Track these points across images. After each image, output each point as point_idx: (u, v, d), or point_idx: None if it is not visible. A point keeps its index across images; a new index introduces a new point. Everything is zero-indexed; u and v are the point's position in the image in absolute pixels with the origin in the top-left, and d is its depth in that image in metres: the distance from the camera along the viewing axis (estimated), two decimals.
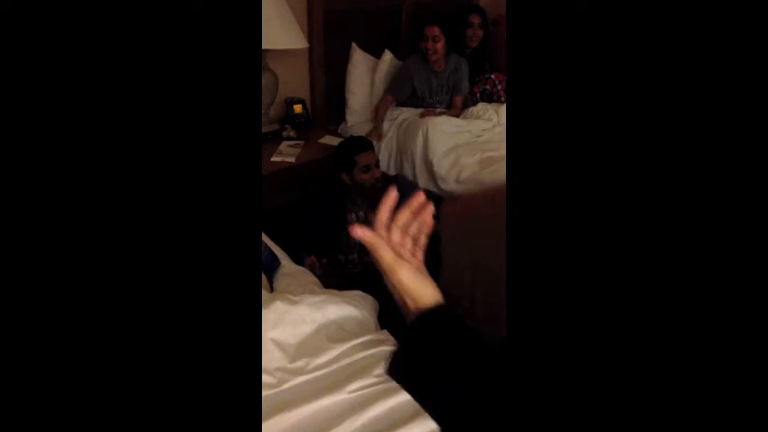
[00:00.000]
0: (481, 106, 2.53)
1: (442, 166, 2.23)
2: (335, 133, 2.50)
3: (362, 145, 1.88)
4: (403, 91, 2.48)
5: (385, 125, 2.47)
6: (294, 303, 1.13)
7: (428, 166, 2.27)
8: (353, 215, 1.89)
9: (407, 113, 2.48)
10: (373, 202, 1.86)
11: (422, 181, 2.30)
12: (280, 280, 1.37)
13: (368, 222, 1.81)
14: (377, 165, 1.87)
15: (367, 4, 2.58)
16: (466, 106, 2.62)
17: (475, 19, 2.62)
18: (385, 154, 2.43)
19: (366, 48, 2.62)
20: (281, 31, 2.03)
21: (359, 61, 2.60)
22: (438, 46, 2.39)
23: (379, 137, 2.44)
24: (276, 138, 2.31)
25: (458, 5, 2.81)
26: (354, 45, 2.59)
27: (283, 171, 2.06)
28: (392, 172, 2.40)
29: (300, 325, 1.10)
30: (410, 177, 2.32)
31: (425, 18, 2.53)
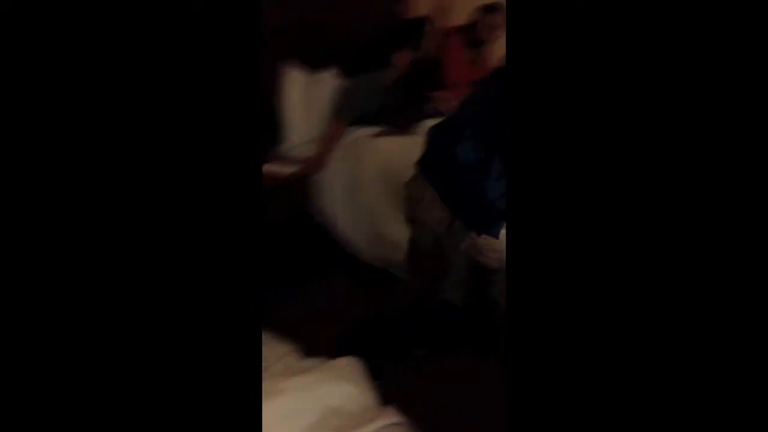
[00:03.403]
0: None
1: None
2: (277, 159, 2.28)
3: None
4: (354, 111, 2.29)
5: None
6: (281, 392, 0.94)
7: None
8: None
9: (358, 133, 2.31)
10: None
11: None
12: None
13: None
14: None
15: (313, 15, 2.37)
16: (409, 124, 2.50)
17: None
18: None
19: (303, 63, 2.42)
20: None
21: (295, 77, 2.39)
22: None
23: (320, 168, 2.25)
24: None
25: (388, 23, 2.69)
26: (288, 61, 2.39)
27: None
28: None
29: (294, 421, 0.91)
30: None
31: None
